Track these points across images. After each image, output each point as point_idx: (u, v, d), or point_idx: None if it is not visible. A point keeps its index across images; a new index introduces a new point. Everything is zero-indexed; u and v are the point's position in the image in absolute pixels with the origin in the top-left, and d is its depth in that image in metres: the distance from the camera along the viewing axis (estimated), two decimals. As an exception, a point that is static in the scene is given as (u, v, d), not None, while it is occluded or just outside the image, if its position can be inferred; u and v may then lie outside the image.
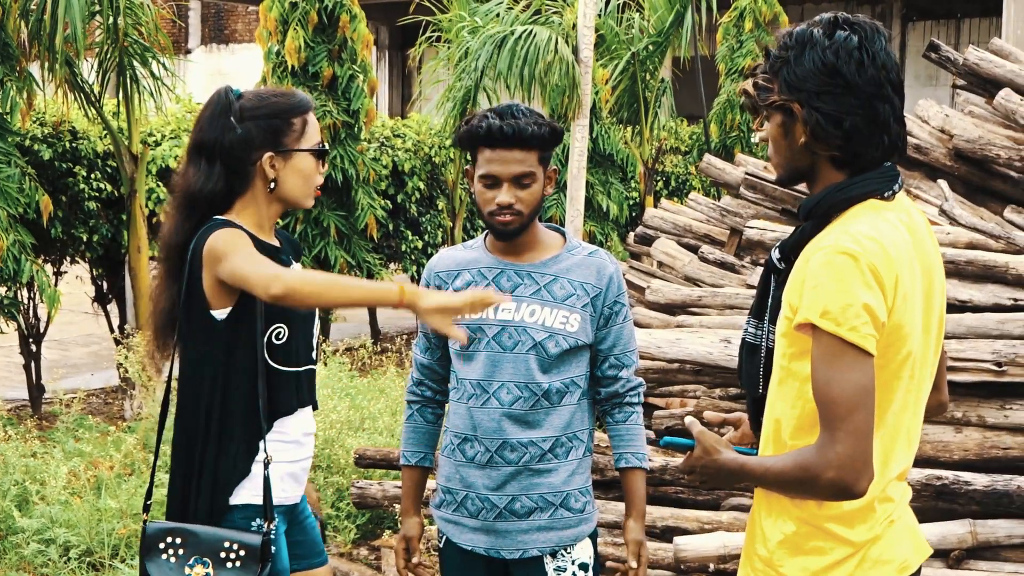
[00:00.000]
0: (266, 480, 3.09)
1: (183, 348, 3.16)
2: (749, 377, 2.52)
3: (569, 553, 3.24)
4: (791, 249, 2.43)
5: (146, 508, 3.21)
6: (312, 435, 3.30)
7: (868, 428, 2.22)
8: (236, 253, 3.00)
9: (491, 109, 3.19)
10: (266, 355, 3.11)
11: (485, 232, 3.35)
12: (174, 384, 3.22)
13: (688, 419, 2.44)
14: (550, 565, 3.22)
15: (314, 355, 3.28)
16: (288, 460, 3.17)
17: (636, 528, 3.29)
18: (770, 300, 2.48)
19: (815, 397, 2.25)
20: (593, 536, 3.30)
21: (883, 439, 2.32)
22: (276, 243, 3.23)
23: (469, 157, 3.23)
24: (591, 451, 3.33)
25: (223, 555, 3.02)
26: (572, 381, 3.22)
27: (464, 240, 12.53)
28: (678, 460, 5.03)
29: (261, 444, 3.10)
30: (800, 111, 2.33)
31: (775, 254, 2.49)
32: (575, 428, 3.24)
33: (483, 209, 3.19)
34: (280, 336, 3.13)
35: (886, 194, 2.36)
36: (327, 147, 3.14)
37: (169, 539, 3.06)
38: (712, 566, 4.39)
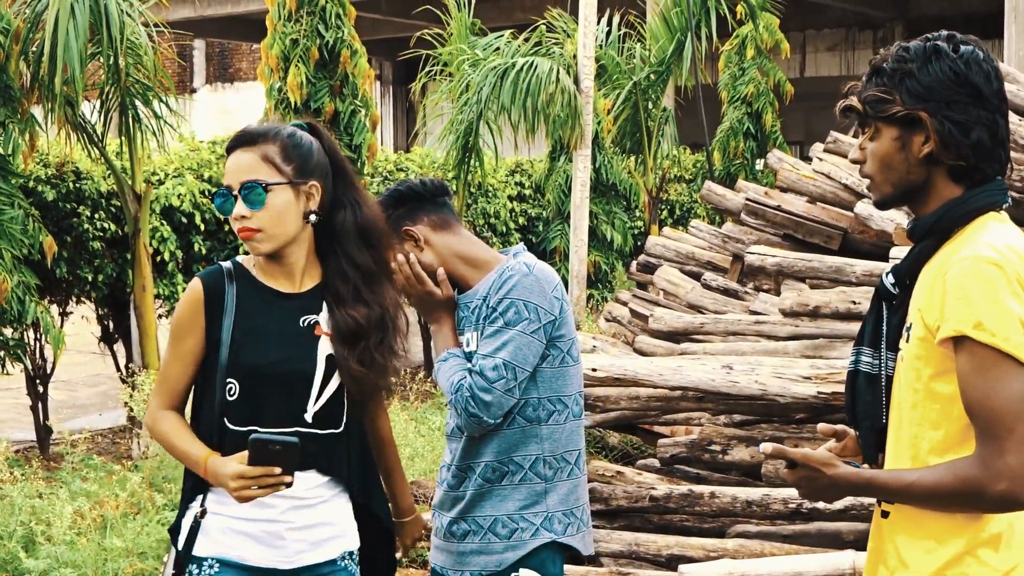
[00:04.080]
0: (190, 530, 2.97)
1: None
2: (870, 408, 2.43)
3: None
4: (907, 272, 2.39)
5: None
6: (292, 499, 2.94)
7: None
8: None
9: None
10: (222, 411, 2.96)
11: None
12: None
13: (768, 447, 2.34)
14: None
15: (306, 417, 2.96)
16: (235, 516, 2.93)
17: None
18: (885, 327, 2.42)
19: (971, 411, 2.21)
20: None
21: None
22: (289, 288, 3.02)
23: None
24: None
25: None
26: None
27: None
28: (682, 488, 5.00)
29: (200, 496, 2.98)
30: (929, 120, 2.29)
31: (888, 279, 2.42)
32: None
33: None
34: (232, 392, 2.96)
35: (1003, 206, 2.35)
36: (228, 193, 2.93)
37: None
38: (718, 593, 4.37)
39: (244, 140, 2.97)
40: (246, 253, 3.08)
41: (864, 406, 2.44)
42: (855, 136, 7.79)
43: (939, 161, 2.32)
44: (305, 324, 2.98)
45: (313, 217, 2.97)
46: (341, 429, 2.99)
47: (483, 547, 3.16)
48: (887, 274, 2.43)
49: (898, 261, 2.43)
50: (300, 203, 2.95)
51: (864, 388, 2.44)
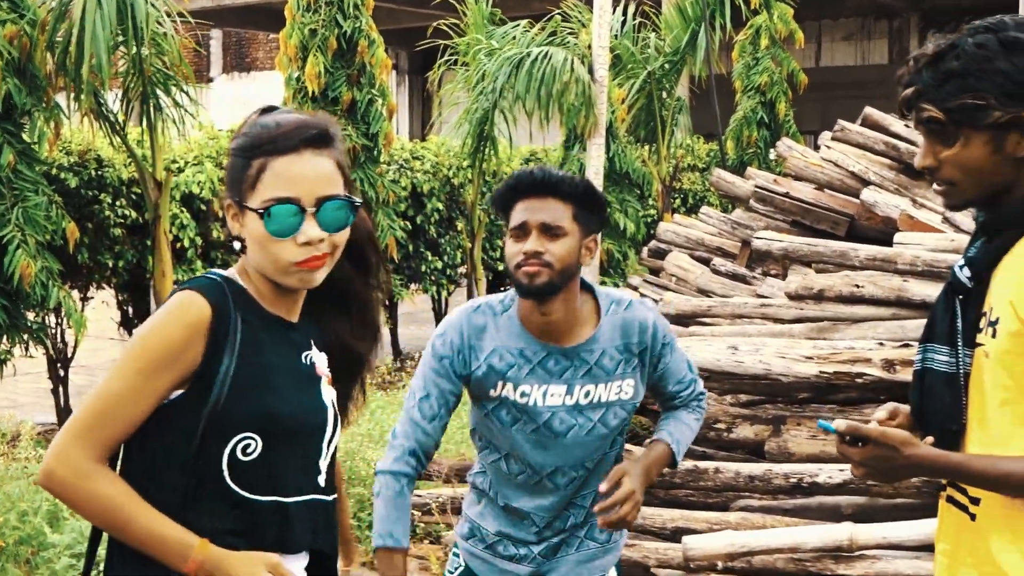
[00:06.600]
0: None
1: None
2: (947, 409, 2.31)
3: None
4: (988, 264, 2.27)
5: None
6: None
7: None
8: (122, 358, 2.26)
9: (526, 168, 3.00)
10: (219, 475, 2.24)
11: (513, 298, 3.07)
12: None
13: (841, 424, 2.25)
14: None
15: (320, 480, 2.38)
16: None
17: (633, 468, 3.01)
18: (960, 323, 2.29)
19: None
20: (618, 565, 3.33)
21: None
22: (289, 317, 2.38)
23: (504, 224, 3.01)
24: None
25: None
26: (622, 439, 3.20)
27: (483, 260, 12.75)
28: (687, 464, 5.15)
29: None
30: None
31: (963, 272, 2.30)
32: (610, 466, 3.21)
33: (510, 264, 2.96)
34: (249, 451, 2.26)
35: None
36: (299, 209, 2.22)
37: None
38: (720, 564, 4.52)
39: (317, 139, 2.27)
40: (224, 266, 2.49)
41: (940, 407, 2.33)
42: (863, 125, 7.91)
43: None
44: (307, 362, 2.39)
45: None
46: (334, 490, 2.44)
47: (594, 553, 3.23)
48: (961, 267, 2.32)
49: (972, 253, 2.33)
50: None
51: (941, 388, 2.32)
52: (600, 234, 3.10)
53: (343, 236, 2.28)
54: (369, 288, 2.51)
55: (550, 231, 2.91)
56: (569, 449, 3.07)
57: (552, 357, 3.02)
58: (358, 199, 2.30)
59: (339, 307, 2.48)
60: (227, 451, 2.22)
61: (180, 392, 2.23)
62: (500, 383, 3.03)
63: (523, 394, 3.02)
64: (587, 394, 3.04)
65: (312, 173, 2.23)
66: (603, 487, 2.98)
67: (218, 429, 2.21)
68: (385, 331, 12.64)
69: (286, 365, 2.32)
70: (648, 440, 3.28)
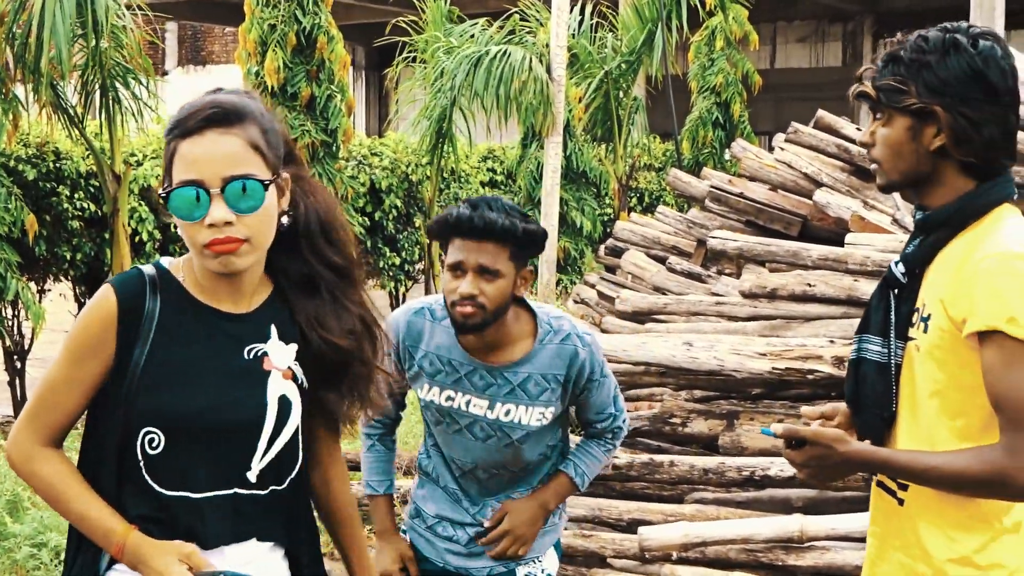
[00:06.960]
0: None
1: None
2: (880, 397, 2.42)
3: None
4: (921, 262, 2.38)
5: None
6: None
7: None
8: (60, 349, 2.34)
9: (467, 200, 3.05)
10: (141, 466, 2.28)
11: None
12: None
13: (779, 427, 2.37)
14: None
15: (250, 476, 2.33)
16: None
17: (521, 505, 3.25)
18: (894, 316, 2.41)
19: (999, 402, 2.22)
20: (556, 545, 3.45)
21: None
22: (232, 308, 2.34)
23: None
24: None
25: None
26: (549, 447, 3.30)
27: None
28: (643, 457, 5.25)
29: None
30: (943, 115, 2.30)
31: (898, 268, 2.42)
32: (549, 469, 3.34)
33: (447, 299, 3.06)
34: (154, 445, 2.28)
35: (1015, 197, 2.37)
36: (202, 190, 2.18)
37: None
38: (675, 554, 4.62)
39: (222, 118, 2.22)
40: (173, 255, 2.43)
41: (873, 395, 2.44)
42: (816, 128, 8.05)
43: (950, 155, 2.33)
44: (251, 356, 2.33)
45: (286, 219, 2.32)
46: (284, 486, 2.38)
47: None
48: (896, 263, 2.43)
49: (908, 250, 2.43)
50: (278, 201, 2.29)
51: (873, 377, 2.43)
52: (537, 260, 3.19)
53: (261, 218, 2.22)
54: (335, 276, 2.41)
55: (486, 273, 2.99)
56: (490, 452, 3.21)
57: (477, 372, 3.14)
58: (267, 177, 2.23)
59: (308, 296, 2.39)
60: (138, 443, 2.26)
61: (108, 382, 2.29)
62: (427, 385, 3.17)
63: (448, 398, 3.16)
64: (507, 412, 3.15)
65: (215, 154, 2.19)
66: (487, 523, 3.25)
67: (130, 421, 2.26)
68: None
69: (213, 359, 2.30)
70: (560, 466, 3.36)
